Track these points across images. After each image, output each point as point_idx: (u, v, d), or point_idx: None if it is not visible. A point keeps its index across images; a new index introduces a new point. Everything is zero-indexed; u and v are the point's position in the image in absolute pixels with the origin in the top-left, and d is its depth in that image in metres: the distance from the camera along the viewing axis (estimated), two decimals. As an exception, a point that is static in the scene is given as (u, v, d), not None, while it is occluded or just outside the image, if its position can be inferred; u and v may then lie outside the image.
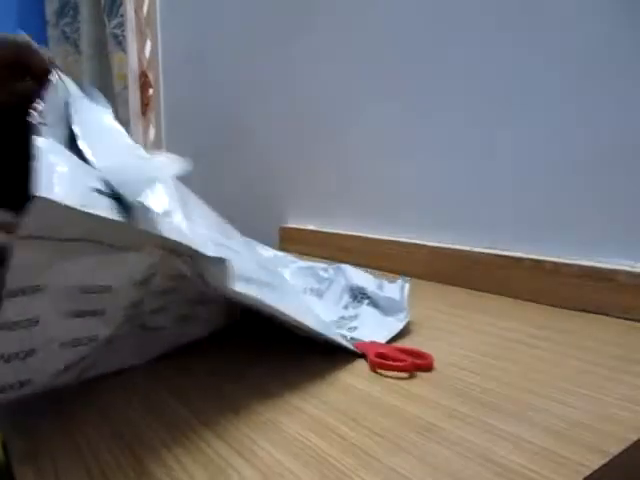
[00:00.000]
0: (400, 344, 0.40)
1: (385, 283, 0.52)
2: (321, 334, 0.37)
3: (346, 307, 0.49)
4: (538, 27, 0.54)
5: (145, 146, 1.59)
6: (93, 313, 0.29)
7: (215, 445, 0.26)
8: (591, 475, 0.23)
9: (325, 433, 0.27)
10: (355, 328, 0.43)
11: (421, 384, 0.33)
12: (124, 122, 1.52)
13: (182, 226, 0.34)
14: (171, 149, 1.48)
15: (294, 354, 0.39)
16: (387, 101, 0.73)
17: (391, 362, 0.36)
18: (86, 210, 0.23)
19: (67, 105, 0.33)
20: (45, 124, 0.29)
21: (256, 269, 0.38)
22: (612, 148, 0.49)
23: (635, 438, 0.26)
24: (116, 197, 0.26)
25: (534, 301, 0.54)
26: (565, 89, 0.52)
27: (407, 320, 0.44)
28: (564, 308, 0.51)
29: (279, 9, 0.94)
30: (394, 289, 0.50)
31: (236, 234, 0.45)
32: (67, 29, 1.63)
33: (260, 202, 1.07)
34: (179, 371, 0.37)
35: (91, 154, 0.29)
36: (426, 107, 0.67)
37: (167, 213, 0.34)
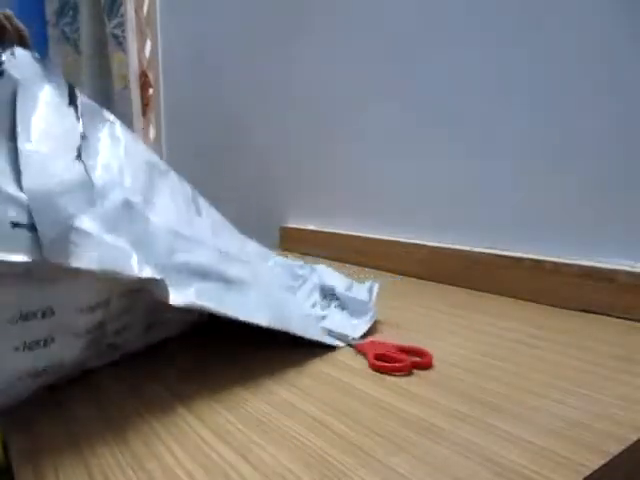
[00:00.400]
0: (400, 343, 0.40)
1: (355, 284, 0.53)
2: (287, 332, 0.37)
3: (314, 305, 0.50)
4: (537, 27, 0.54)
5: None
6: (44, 342, 0.29)
7: (217, 447, 0.26)
8: (591, 475, 0.23)
9: (325, 433, 0.27)
10: (324, 328, 0.44)
11: (421, 384, 0.33)
12: (125, 122, 1.52)
13: (140, 217, 0.32)
14: (171, 149, 1.48)
15: (293, 355, 0.39)
16: (387, 101, 0.73)
17: (389, 364, 0.36)
18: None
19: (15, 93, 0.31)
20: None
21: (216, 259, 0.37)
22: (612, 148, 0.49)
23: (635, 438, 0.26)
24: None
25: (534, 301, 0.54)
26: (565, 89, 0.52)
27: (373, 320, 0.45)
28: (564, 308, 0.51)
29: (279, 9, 0.94)
30: (362, 290, 0.50)
31: (209, 213, 0.42)
32: (67, 29, 1.63)
33: (260, 202, 1.07)
34: (177, 368, 0.37)
35: (24, 162, 0.28)
36: (426, 107, 0.67)
37: (127, 203, 0.33)
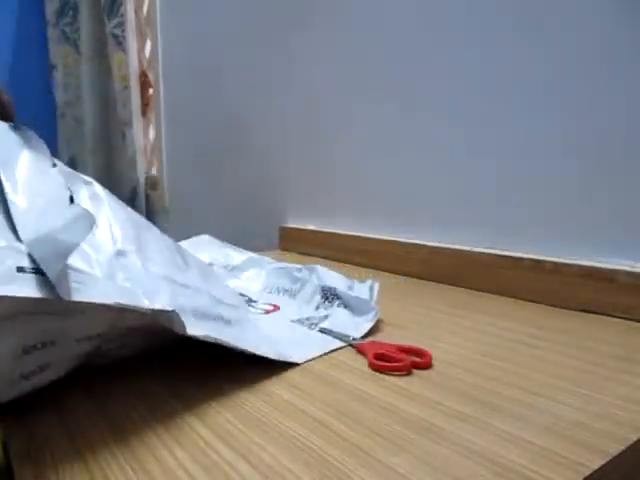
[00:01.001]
0: (400, 343, 0.40)
1: (356, 283, 0.53)
2: (277, 359, 0.37)
3: (317, 307, 0.50)
4: (537, 27, 0.54)
5: (145, 147, 1.59)
6: (40, 369, 0.30)
7: (217, 447, 0.26)
8: (591, 475, 0.23)
9: (325, 433, 0.27)
10: (328, 329, 0.44)
11: (421, 384, 0.33)
12: (124, 122, 1.53)
13: (136, 265, 0.33)
14: (171, 149, 1.48)
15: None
16: (387, 101, 0.73)
17: (389, 363, 0.36)
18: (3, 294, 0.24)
19: None
20: None
21: (211, 303, 0.38)
22: (612, 148, 0.49)
23: (635, 438, 0.26)
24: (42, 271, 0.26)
25: (534, 301, 0.54)
26: (565, 89, 0.52)
27: (376, 319, 0.45)
28: (564, 308, 0.51)
29: (279, 9, 0.95)
30: (364, 289, 0.51)
31: (194, 261, 0.44)
32: (67, 29, 1.63)
33: (260, 202, 1.07)
34: (177, 367, 0.37)
35: (18, 219, 0.29)
36: (426, 107, 0.67)
37: (121, 253, 0.34)
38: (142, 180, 1.56)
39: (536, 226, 0.56)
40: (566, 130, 0.52)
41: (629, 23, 0.47)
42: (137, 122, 1.54)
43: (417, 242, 0.68)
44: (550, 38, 0.53)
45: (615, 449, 0.25)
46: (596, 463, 0.24)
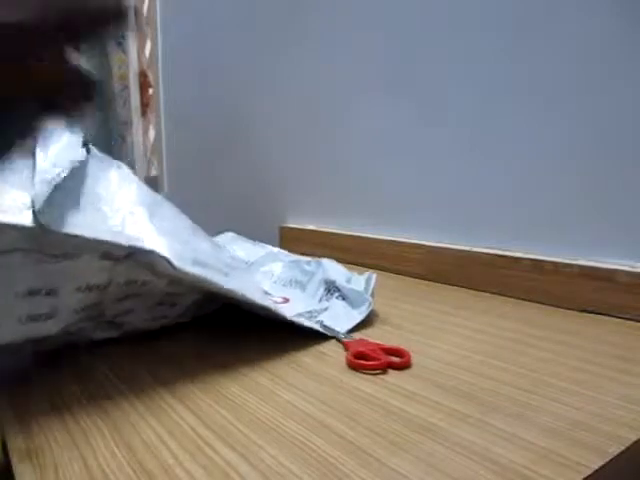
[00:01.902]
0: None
1: (354, 275, 0.54)
2: (279, 315, 0.41)
3: (320, 300, 0.52)
4: (537, 27, 0.54)
5: (145, 147, 1.59)
6: (45, 316, 0.33)
7: (216, 447, 0.26)
8: (591, 475, 0.23)
9: (325, 433, 0.27)
10: (321, 321, 0.45)
11: (421, 384, 0.33)
12: (124, 122, 1.53)
13: (144, 218, 0.36)
14: (171, 149, 1.48)
15: (293, 356, 0.39)
16: (387, 101, 0.73)
17: (364, 362, 0.36)
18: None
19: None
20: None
21: (213, 259, 0.40)
22: (612, 148, 0.49)
23: (635, 438, 0.26)
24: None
25: (534, 301, 0.54)
26: (565, 89, 0.52)
27: (369, 311, 0.46)
28: (564, 308, 0.51)
29: (279, 8, 0.94)
30: (360, 281, 0.52)
31: (205, 236, 0.47)
32: (67, 29, 1.63)
33: (260, 202, 1.07)
34: (176, 368, 0.37)
35: (40, 162, 0.33)
36: (424, 107, 0.67)
37: (132, 212, 0.37)
38: (142, 180, 1.56)
39: (536, 226, 0.56)
40: (566, 130, 0.52)
41: (629, 23, 0.47)
42: (137, 122, 1.54)
43: (416, 242, 0.68)
44: (550, 38, 0.53)
45: (615, 449, 0.25)
46: (596, 463, 0.24)
